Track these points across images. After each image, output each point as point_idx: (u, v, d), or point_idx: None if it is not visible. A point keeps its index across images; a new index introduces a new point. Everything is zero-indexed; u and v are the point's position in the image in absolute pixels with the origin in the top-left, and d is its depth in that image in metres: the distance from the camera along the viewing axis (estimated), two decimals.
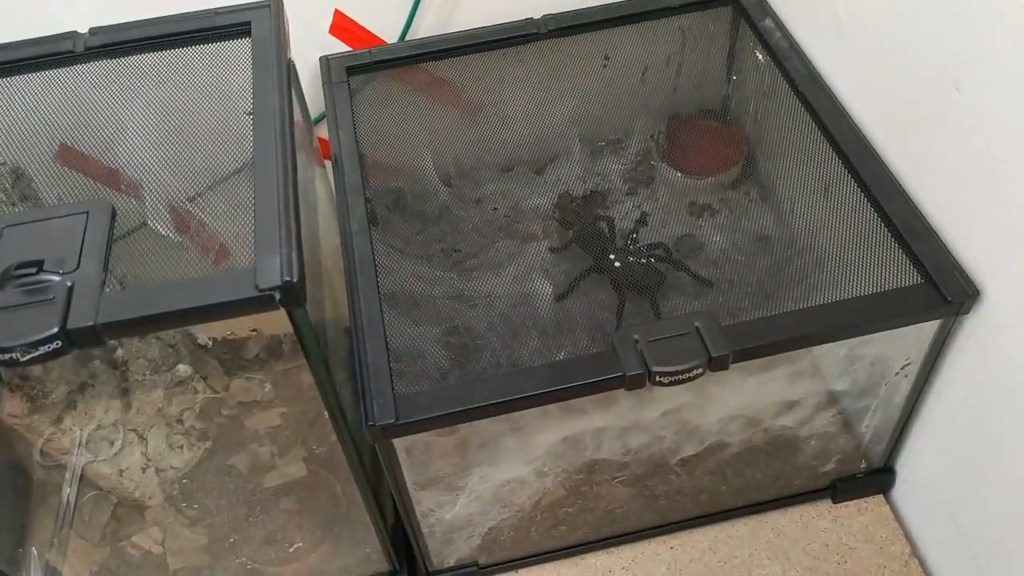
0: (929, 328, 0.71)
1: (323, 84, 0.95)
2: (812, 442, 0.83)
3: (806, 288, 0.89)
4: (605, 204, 1.04)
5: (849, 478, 0.88)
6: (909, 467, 0.87)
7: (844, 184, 0.82)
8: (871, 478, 0.89)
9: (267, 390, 0.99)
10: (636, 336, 0.68)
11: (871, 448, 0.86)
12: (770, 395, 0.77)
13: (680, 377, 0.67)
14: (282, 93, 0.70)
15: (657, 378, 0.67)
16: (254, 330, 1.06)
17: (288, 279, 0.56)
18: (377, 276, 0.77)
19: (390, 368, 0.69)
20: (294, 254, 0.57)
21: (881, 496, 0.90)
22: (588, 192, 1.05)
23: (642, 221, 1.01)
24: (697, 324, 0.68)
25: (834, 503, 0.89)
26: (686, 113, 1.08)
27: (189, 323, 0.62)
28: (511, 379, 0.68)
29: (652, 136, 1.07)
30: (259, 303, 0.56)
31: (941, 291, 0.69)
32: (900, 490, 0.89)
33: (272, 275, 0.56)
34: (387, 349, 0.71)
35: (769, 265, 0.95)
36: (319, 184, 0.99)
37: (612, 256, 0.94)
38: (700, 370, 0.67)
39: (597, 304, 0.92)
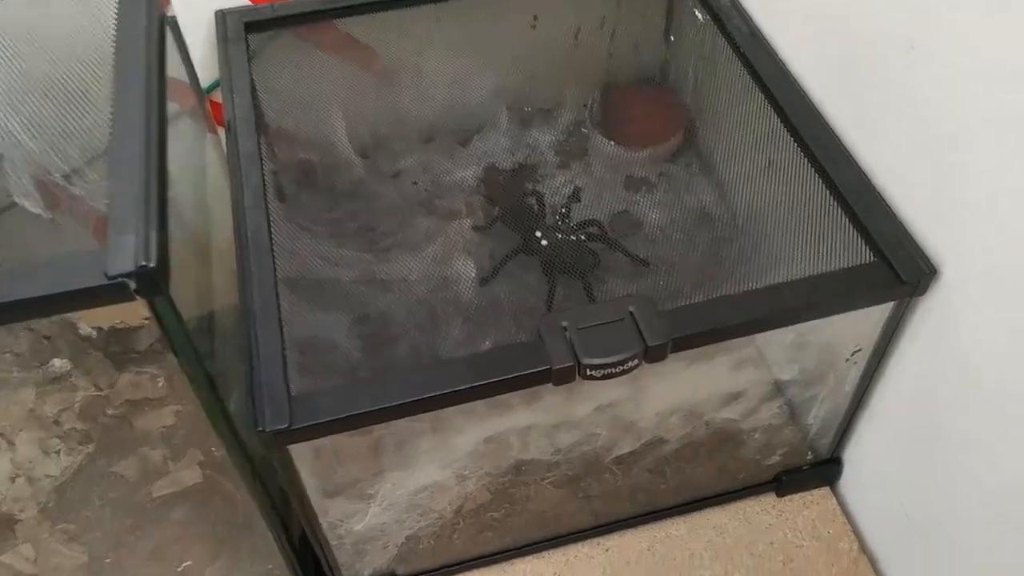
0: (882, 311, 0.65)
1: (218, 42, 0.85)
2: (756, 435, 0.77)
3: (751, 270, 0.82)
4: (535, 178, 0.96)
5: (794, 470, 0.82)
6: (857, 457, 0.82)
7: (790, 154, 0.75)
8: (817, 469, 0.83)
9: (160, 385, 0.89)
10: (564, 323, 0.60)
11: (818, 439, 0.81)
12: (712, 386, 0.70)
13: (613, 370, 0.59)
14: (149, 50, 0.59)
15: (588, 371, 0.59)
16: (147, 318, 0.96)
17: (144, 264, 0.47)
18: (275, 257, 0.67)
19: (285, 363, 0.60)
20: (153, 234, 0.48)
21: (828, 488, 0.84)
22: (516, 165, 0.97)
23: (574, 197, 0.93)
24: (631, 309, 0.61)
25: (778, 497, 0.83)
26: (622, 79, 1.01)
27: (27, 317, 0.52)
28: (423, 376, 0.59)
29: (585, 104, 1.00)
30: (110, 292, 0.47)
31: (896, 270, 0.63)
32: (847, 481, 0.83)
33: (124, 259, 0.47)
34: (283, 341, 0.61)
35: (710, 244, 0.88)
36: (213, 155, 0.89)
37: (540, 235, 0.86)
38: (635, 361, 0.60)
39: (525, 288, 0.84)
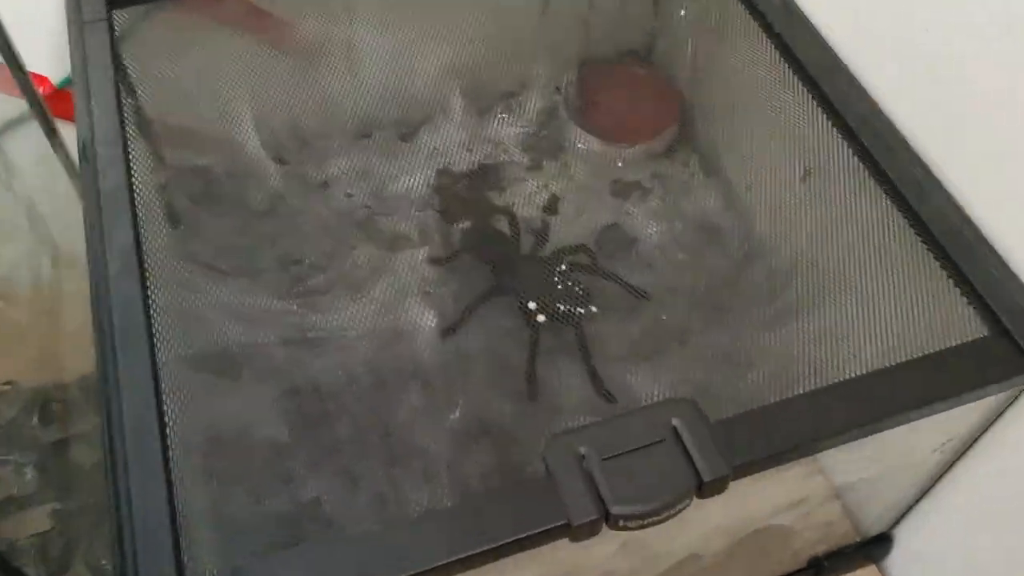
0: (996, 397, 0.49)
1: (69, 25, 0.62)
2: (806, 534, 0.61)
3: (781, 308, 0.65)
4: (499, 184, 0.76)
5: (837, 553, 0.67)
6: (910, 534, 0.67)
7: (841, 165, 0.58)
8: (864, 548, 0.68)
9: (29, 477, 0.69)
10: (582, 450, 0.43)
11: (871, 521, 0.66)
12: (770, 499, 0.54)
13: (655, 519, 0.42)
14: None
15: (621, 522, 0.42)
16: (8, 383, 0.74)
17: None
18: (154, 346, 0.47)
19: (176, 536, 0.40)
20: None
21: (874, 567, 0.69)
22: (476, 167, 0.77)
23: (551, 208, 0.74)
24: (675, 423, 0.43)
25: None
26: (602, 56, 0.81)
27: None
28: (388, 547, 0.41)
29: (558, 88, 0.80)
30: None
31: (1016, 340, 0.47)
32: (897, 560, 0.69)
33: None
34: (171, 498, 0.42)
35: (722, 268, 0.71)
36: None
37: (517, 266, 0.68)
38: (687, 502, 0.42)
39: (500, 337, 0.66)
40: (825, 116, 0.58)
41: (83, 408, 0.72)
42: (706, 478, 0.42)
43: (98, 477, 0.61)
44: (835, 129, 0.57)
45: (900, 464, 0.57)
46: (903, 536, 0.68)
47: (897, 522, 0.66)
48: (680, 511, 0.43)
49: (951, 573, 0.64)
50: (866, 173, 0.55)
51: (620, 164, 0.76)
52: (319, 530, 0.58)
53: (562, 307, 0.65)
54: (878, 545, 0.68)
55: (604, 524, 0.42)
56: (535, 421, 0.64)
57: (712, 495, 0.43)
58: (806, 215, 0.64)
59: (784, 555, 0.65)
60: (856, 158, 0.56)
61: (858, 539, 0.68)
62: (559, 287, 0.67)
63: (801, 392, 0.46)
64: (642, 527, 0.42)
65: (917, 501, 0.62)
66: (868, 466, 0.58)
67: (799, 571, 0.68)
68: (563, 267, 0.68)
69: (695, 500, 0.43)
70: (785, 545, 0.63)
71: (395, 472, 0.61)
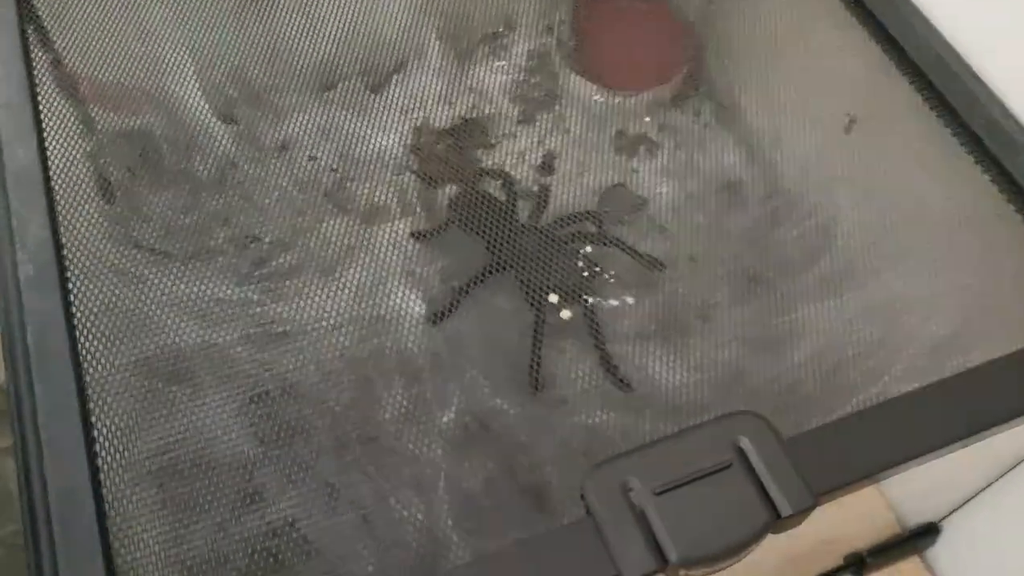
0: None
1: None
2: (850, 533, 0.54)
3: (819, 278, 0.57)
4: (487, 141, 0.66)
5: (881, 547, 0.60)
6: (959, 523, 0.60)
7: (903, 113, 0.49)
8: (909, 540, 0.61)
9: None
10: (631, 482, 0.34)
11: (917, 513, 0.59)
12: (829, 511, 0.46)
13: (723, 565, 0.34)
14: None
15: (682, 572, 0.34)
16: None
17: None
18: (78, 355, 0.38)
19: None
20: None
21: (917, 558, 0.63)
22: (458, 122, 0.67)
23: (547, 168, 0.65)
24: (742, 444, 0.35)
25: None
26: None
27: None
28: None
29: (550, 27, 0.70)
30: None
31: None
32: (942, 550, 0.62)
33: None
34: (107, 553, 0.33)
35: (747, 231, 0.62)
36: None
37: (514, 238, 0.58)
38: (760, 540, 0.34)
39: (496, 320, 0.57)
40: (881, 51, 0.49)
41: (5, 421, 0.62)
42: (784, 512, 0.34)
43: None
44: (893, 66, 0.49)
45: (962, 459, 0.50)
46: (951, 526, 0.61)
47: (948, 515, 0.60)
48: (751, 551, 0.35)
49: (997, 566, 0.57)
50: (935, 120, 0.47)
51: (647, 117, 0.66)
52: (299, 561, 0.49)
53: (569, 284, 0.56)
54: (924, 536, 0.61)
55: (662, 575, 0.34)
56: (541, 417, 0.55)
57: (788, 529, 0.35)
58: (849, 169, 0.55)
59: (827, 557, 0.58)
60: (922, 102, 0.47)
61: (900, 531, 0.62)
62: (566, 263, 0.58)
63: (882, 401, 0.38)
64: (706, 575, 0.34)
65: (977, 494, 0.56)
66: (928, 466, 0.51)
67: (839, 569, 0.61)
68: (568, 238, 0.59)
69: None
70: (830, 547, 0.56)
71: (383, 486, 0.52)
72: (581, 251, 0.57)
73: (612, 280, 0.56)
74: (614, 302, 0.55)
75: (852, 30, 0.50)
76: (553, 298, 0.54)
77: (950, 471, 0.54)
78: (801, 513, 0.34)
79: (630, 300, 0.56)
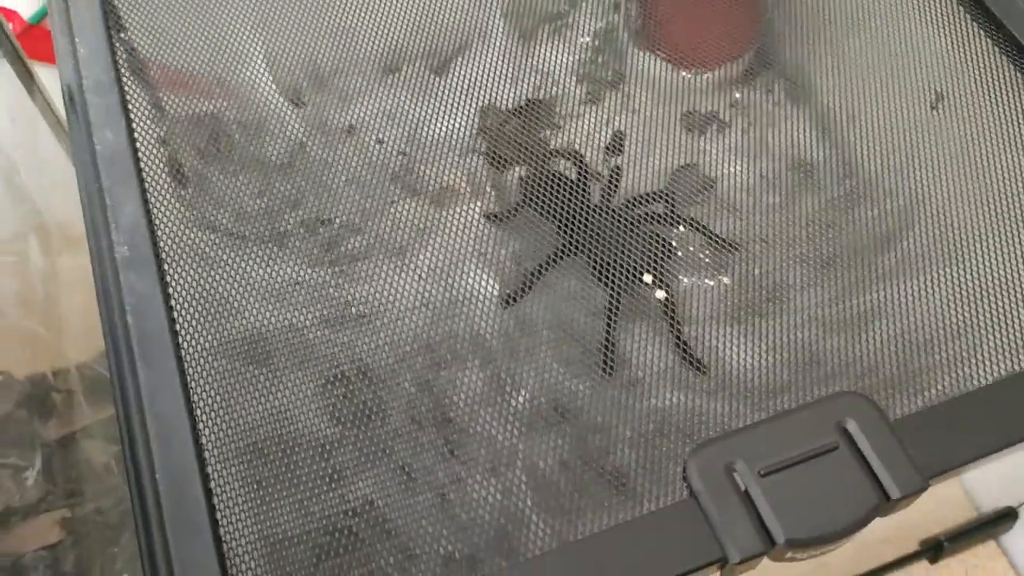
0: None
1: None
2: (927, 517, 0.53)
3: (900, 259, 0.56)
4: (554, 121, 0.66)
5: (956, 533, 0.59)
6: None
7: (987, 80, 0.48)
8: (983, 527, 0.60)
9: (31, 482, 0.60)
10: (735, 463, 0.34)
11: (995, 498, 0.58)
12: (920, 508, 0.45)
13: (831, 547, 0.34)
14: None
15: (790, 554, 0.33)
16: None
17: None
18: (177, 335, 0.38)
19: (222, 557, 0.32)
20: None
21: (994, 543, 0.62)
22: (524, 103, 0.67)
23: (615, 147, 0.64)
24: (847, 425, 0.35)
25: (931, 564, 0.61)
26: None
27: None
28: None
29: (616, 4, 0.69)
30: None
31: None
32: (1019, 535, 0.61)
33: None
34: (212, 513, 0.33)
35: (821, 212, 0.61)
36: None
37: (586, 220, 0.58)
38: (869, 523, 0.34)
39: (568, 301, 0.57)
40: (971, 20, 0.48)
41: (89, 398, 0.63)
42: (894, 495, 0.33)
43: (113, 477, 0.52)
44: (985, 37, 0.47)
45: None
46: None
47: None
48: (857, 532, 0.34)
49: None
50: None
51: (718, 96, 0.65)
52: (377, 540, 0.50)
53: (658, 264, 0.56)
54: (1002, 521, 0.60)
55: (767, 557, 0.33)
56: (614, 399, 0.55)
57: (897, 512, 0.35)
58: (934, 148, 0.54)
59: (901, 541, 0.57)
60: (1017, 75, 0.46)
61: (976, 516, 0.61)
62: (636, 242, 0.57)
63: (986, 382, 0.37)
64: (813, 557, 0.34)
65: None
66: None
67: (915, 554, 0.60)
68: (640, 219, 0.58)
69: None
70: (904, 531, 0.55)
71: (459, 467, 0.52)
72: (659, 234, 0.57)
73: (707, 260, 0.55)
74: (710, 282, 0.55)
75: None
76: (648, 278, 0.53)
77: None
78: (911, 496, 0.33)
79: (726, 280, 0.55)
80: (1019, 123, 0.46)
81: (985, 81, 0.47)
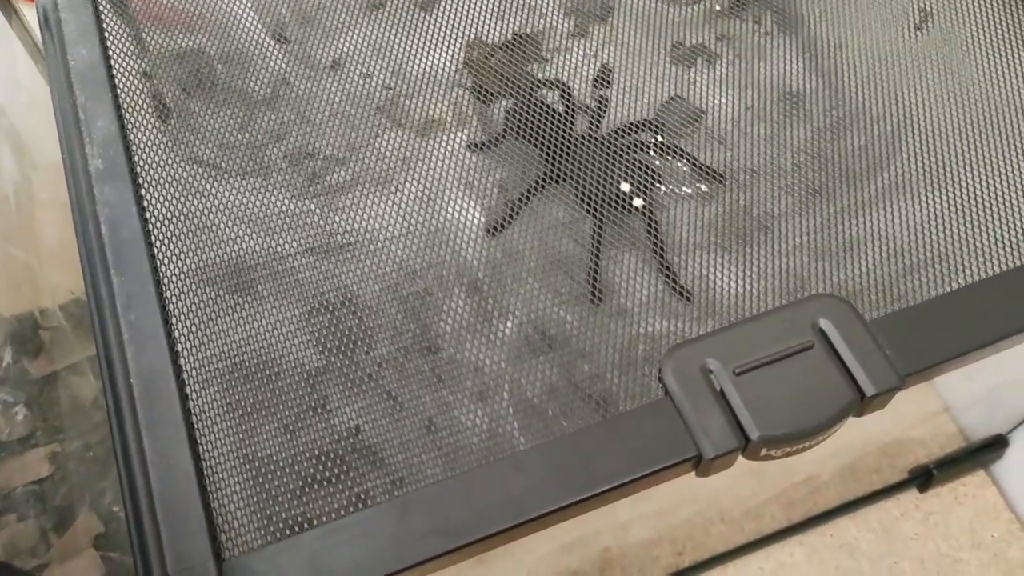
0: None
1: None
2: (916, 443, 0.53)
3: (885, 187, 0.55)
4: (540, 55, 0.65)
5: (944, 461, 0.60)
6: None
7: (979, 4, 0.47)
8: (973, 454, 0.60)
9: (20, 418, 0.60)
10: (709, 363, 0.34)
11: (983, 422, 0.58)
12: (891, 421, 0.45)
13: (806, 445, 0.34)
14: None
15: (764, 451, 0.33)
16: None
17: None
18: (153, 248, 0.38)
19: (205, 496, 0.32)
20: None
21: (983, 473, 0.62)
22: (511, 37, 0.66)
23: (603, 81, 0.63)
24: (823, 325, 0.34)
25: (920, 492, 0.61)
26: None
27: None
28: (473, 498, 0.33)
29: None
30: None
31: None
32: (1010, 464, 0.61)
33: None
34: (196, 451, 0.33)
35: (809, 142, 0.61)
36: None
37: (571, 149, 0.57)
38: (842, 422, 0.34)
39: (553, 230, 0.56)
40: None
41: (76, 335, 0.63)
42: (869, 392, 0.33)
43: (101, 413, 0.53)
44: None
45: None
46: (1017, 439, 0.60)
47: (1015, 427, 0.58)
48: (833, 433, 0.34)
49: None
50: (1019, 7, 0.44)
51: (706, 27, 0.65)
52: (364, 466, 0.50)
53: (627, 192, 0.55)
54: (992, 449, 0.60)
55: (742, 454, 0.33)
56: (601, 327, 0.55)
57: (872, 411, 0.34)
58: (921, 69, 0.53)
59: (890, 470, 0.57)
60: None
61: (965, 444, 0.61)
62: (622, 170, 0.57)
63: (963, 284, 0.37)
64: (787, 455, 0.34)
65: None
66: (991, 373, 0.50)
67: (904, 482, 0.60)
68: (626, 147, 0.58)
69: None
70: (893, 460, 0.55)
71: (446, 395, 0.52)
72: (645, 161, 0.56)
73: (685, 169, 0.55)
74: (687, 189, 0.54)
75: None
76: (625, 187, 0.53)
77: (1017, 380, 0.52)
78: (887, 393, 0.33)
79: (704, 188, 0.55)
80: (1004, 37, 0.45)
81: None
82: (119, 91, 0.41)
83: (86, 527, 0.58)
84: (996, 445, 0.60)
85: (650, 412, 0.33)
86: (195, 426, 0.34)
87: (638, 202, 0.52)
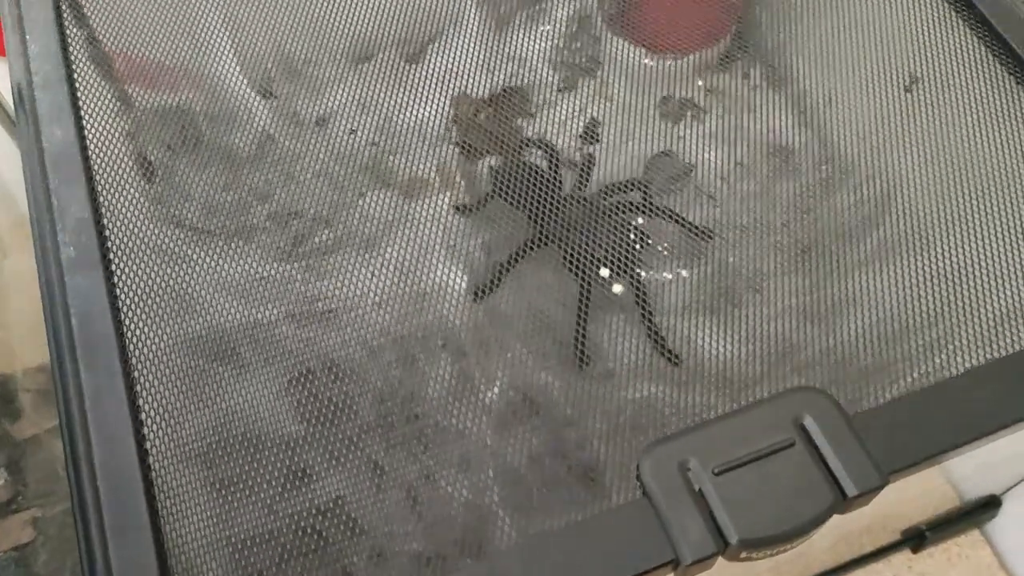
0: None
1: None
2: (910, 508, 0.52)
3: (877, 247, 0.55)
4: (528, 110, 0.65)
5: (938, 522, 0.59)
6: (1021, 496, 0.58)
7: (960, 63, 0.47)
8: (967, 515, 0.59)
9: (1, 482, 0.59)
10: (688, 462, 0.33)
11: (978, 486, 0.57)
12: (891, 495, 0.44)
13: (788, 547, 0.33)
14: None
15: (744, 554, 0.32)
16: None
17: None
18: (123, 336, 0.37)
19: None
20: None
21: (978, 532, 0.61)
22: (498, 91, 0.65)
23: (591, 136, 0.63)
24: (804, 421, 0.34)
25: (914, 553, 0.60)
26: None
27: None
28: None
29: None
30: None
31: None
32: (1005, 523, 0.60)
33: None
34: (156, 528, 0.33)
35: (800, 197, 0.60)
36: None
37: (558, 210, 0.57)
38: (825, 521, 0.33)
39: (539, 293, 0.56)
40: (944, 2, 0.47)
41: (49, 401, 0.62)
42: (851, 492, 0.32)
43: None
44: (961, 21, 0.46)
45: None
46: (1011, 500, 0.59)
47: (1009, 487, 0.58)
48: (814, 533, 0.33)
49: None
50: (1005, 76, 0.44)
51: (699, 83, 0.64)
52: (345, 539, 0.49)
53: (619, 257, 0.55)
54: (985, 510, 0.59)
55: (721, 557, 0.32)
56: (588, 392, 0.54)
57: (855, 510, 0.34)
58: (910, 133, 0.52)
59: (883, 532, 0.57)
60: (990, 56, 0.45)
61: (959, 504, 0.60)
62: (612, 235, 0.56)
63: (950, 375, 0.36)
64: (768, 557, 0.33)
65: None
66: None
67: (895, 544, 0.59)
68: (613, 209, 0.57)
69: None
70: (885, 522, 0.54)
71: (429, 464, 0.52)
72: (632, 223, 0.56)
73: (665, 253, 0.54)
74: (668, 275, 0.54)
75: None
76: (604, 272, 0.52)
77: (1011, 442, 0.52)
78: (869, 493, 0.33)
79: (684, 273, 0.54)
80: (992, 104, 0.45)
81: (958, 63, 0.46)
82: (95, 172, 0.41)
83: None
84: (990, 505, 0.59)
85: (628, 513, 0.33)
86: (160, 523, 0.33)
87: (618, 288, 0.52)
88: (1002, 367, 0.36)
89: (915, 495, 0.58)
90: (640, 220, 0.56)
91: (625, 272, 0.54)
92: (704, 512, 0.32)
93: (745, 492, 0.32)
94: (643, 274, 0.53)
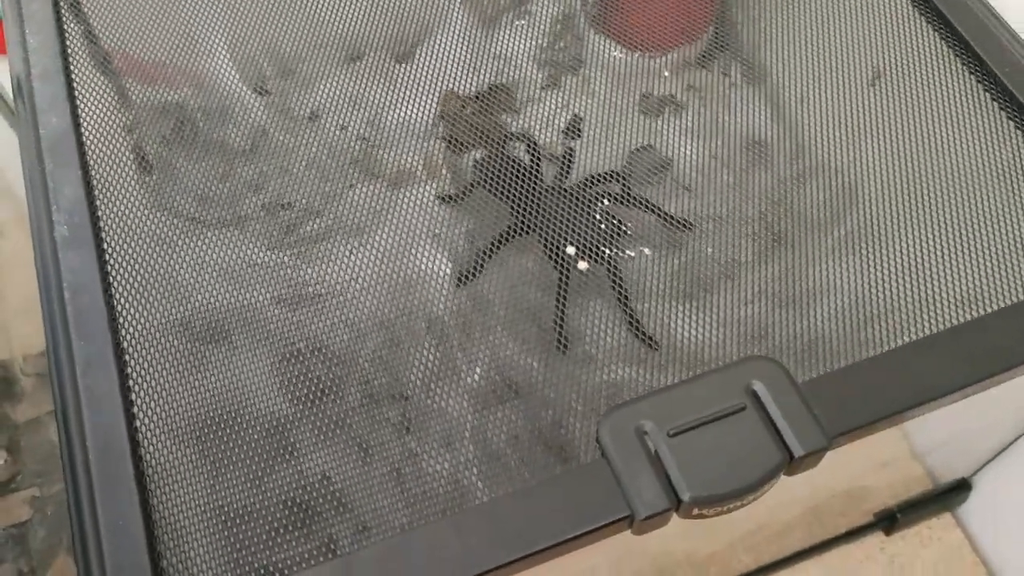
0: None
1: None
2: (880, 489, 0.54)
3: (845, 236, 0.57)
4: (513, 106, 0.67)
5: (910, 504, 0.60)
6: (991, 479, 0.60)
7: (919, 56, 0.49)
8: (940, 497, 0.61)
9: (1, 462, 0.61)
10: (645, 425, 0.35)
11: (948, 466, 0.58)
12: (851, 465, 0.46)
13: (737, 504, 0.35)
14: None
15: (695, 511, 0.34)
16: None
17: None
18: (114, 311, 0.39)
19: (153, 552, 0.33)
20: None
21: (949, 515, 0.63)
22: (485, 89, 0.68)
23: (573, 131, 0.65)
24: (756, 387, 0.36)
25: (887, 536, 0.62)
26: None
27: None
28: (431, 548, 0.34)
29: None
30: None
31: None
32: (976, 506, 0.62)
33: None
34: (143, 496, 0.35)
35: (773, 188, 0.62)
36: None
37: (538, 200, 0.59)
38: (773, 482, 0.35)
39: (521, 279, 0.58)
40: (907, 1, 0.49)
41: (45, 385, 0.64)
42: (797, 453, 0.34)
43: None
44: (920, 16, 0.48)
45: (991, 412, 0.50)
46: (983, 481, 0.61)
47: (978, 470, 0.59)
48: (765, 492, 0.35)
49: None
50: (963, 72, 0.46)
51: (666, 74, 0.66)
52: (332, 513, 0.51)
53: (594, 244, 0.57)
54: (956, 493, 0.61)
55: (675, 513, 0.34)
56: (567, 374, 0.56)
57: (803, 471, 0.36)
58: (875, 125, 0.55)
59: (856, 513, 0.58)
60: (950, 52, 0.47)
61: (931, 487, 0.61)
62: (588, 221, 0.58)
63: (896, 345, 0.38)
64: (720, 514, 0.35)
65: (1007, 447, 0.55)
66: (955, 417, 0.51)
67: (868, 525, 0.61)
68: (592, 198, 0.59)
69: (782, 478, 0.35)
70: (859, 503, 0.56)
71: (413, 442, 0.54)
72: (599, 206, 0.58)
73: (629, 232, 0.56)
74: (631, 253, 0.56)
75: None
76: (571, 250, 0.55)
77: (980, 425, 0.53)
78: (815, 454, 0.34)
79: (647, 251, 0.56)
80: (951, 98, 0.47)
81: (919, 58, 0.48)
82: (89, 158, 0.43)
83: (64, 571, 0.59)
84: (960, 488, 0.61)
85: (587, 473, 0.34)
86: (150, 496, 0.35)
87: (583, 265, 0.54)
88: (943, 339, 0.38)
89: (888, 477, 0.60)
90: (608, 203, 0.58)
91: (600, 258, 0.57)
92: (659, 471, 0.34)
93: (698, 453, 0.34)
94: (609, 252, 0.55)
